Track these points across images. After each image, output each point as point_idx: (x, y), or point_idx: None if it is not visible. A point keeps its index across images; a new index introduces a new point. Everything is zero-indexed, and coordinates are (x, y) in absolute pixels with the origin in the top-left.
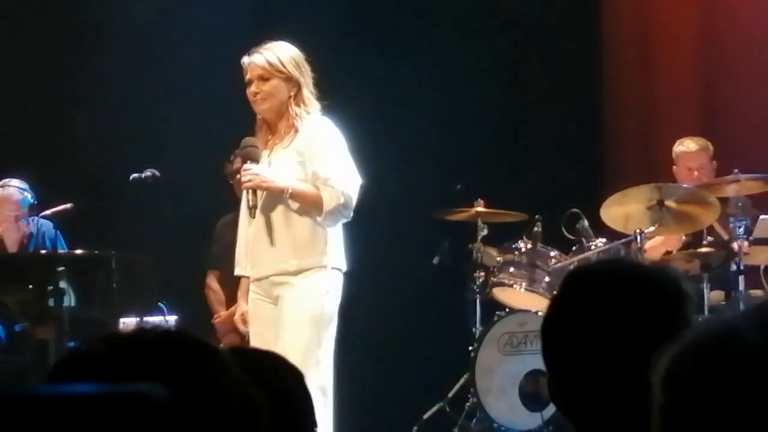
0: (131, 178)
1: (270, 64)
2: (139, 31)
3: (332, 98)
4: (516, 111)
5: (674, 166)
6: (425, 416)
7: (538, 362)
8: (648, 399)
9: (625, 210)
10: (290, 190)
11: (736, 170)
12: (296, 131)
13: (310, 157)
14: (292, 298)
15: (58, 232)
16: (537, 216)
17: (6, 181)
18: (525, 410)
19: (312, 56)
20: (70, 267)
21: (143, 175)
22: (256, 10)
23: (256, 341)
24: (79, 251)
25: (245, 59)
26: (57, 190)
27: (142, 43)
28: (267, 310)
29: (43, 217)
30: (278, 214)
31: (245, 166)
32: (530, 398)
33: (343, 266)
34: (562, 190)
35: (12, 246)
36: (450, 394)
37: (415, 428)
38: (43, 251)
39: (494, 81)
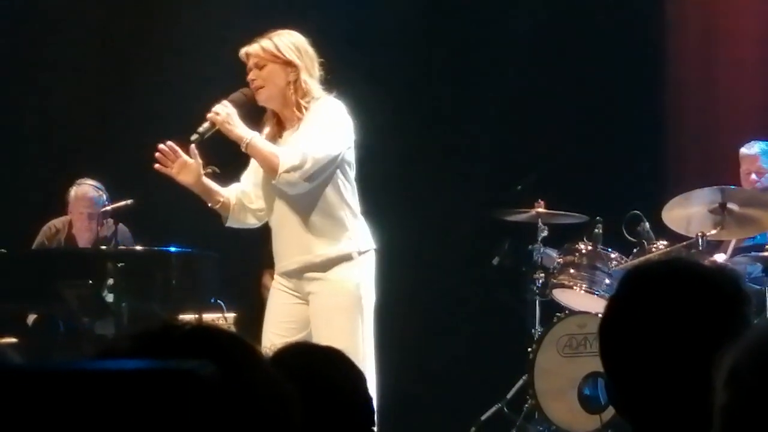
0: None
1: (264, 50)
2: (194, 33)
3: (396, 95)
4: (578, 112)
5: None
6: (483, 417)
7: (597, 364)
8: (707, 400)
9: (687, 212)
10: (247, 141)
11: None
12: (300, 118)
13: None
14: (325, 295)
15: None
16: (598, 217)
17: (82, 180)
18: (584, 412)
19: (371, 56)
20: (130, 263)
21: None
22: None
23: (280, 332)
24: (138, 248)
25: (241, 50)
26: (119, 185)
27: (208, 44)
28: (293, 306)
29: (104, 213)
30: (299, 202)
31: (223, 101)
32: (589, 400)
33: (371, 245)
34: (624, 192)
35: (84, 246)
36: (508, 396)
37: (473, 429)
38: (103, 247)
39: (556, 82)
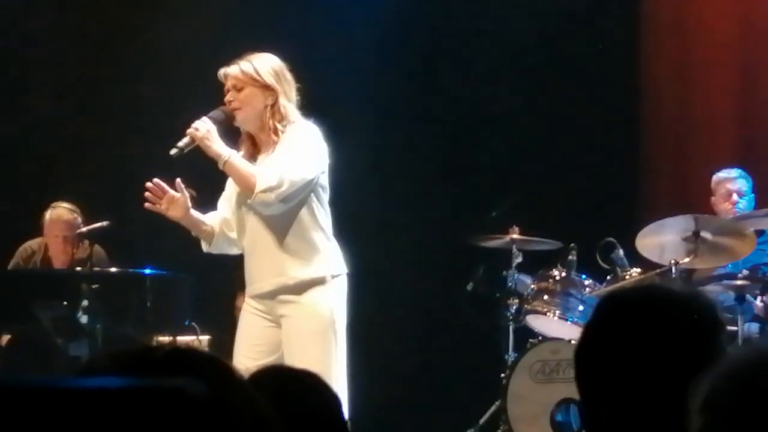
0: None
1: (243, 72)
2: (170, 54)
3: (373, 119)
4: (552, 139)
5: (712, 197)
6: None
7: (570, 390)
8: (681, 426)
9: (660, 240)
10: (225, 159)
11: None
12: (275, 142)
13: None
14: (298, 318)
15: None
16: (572, 244)
17: (57, 203)
18: None
19: (348, 78)
20: (104, 285)
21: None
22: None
23: (251, 355)
24: (113, 269)
25: (221, 71)
26: (94, 207)
27: (185, 66)
28: (264, 329)
29: (79, 234)
30: (273, 224)
31: (203, 117)
32: (561, 427)
33: (344, 269)
34: (598, 219)
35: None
36: (481, 421)
37: None
38: (78, 269)
39: (531, 109)
